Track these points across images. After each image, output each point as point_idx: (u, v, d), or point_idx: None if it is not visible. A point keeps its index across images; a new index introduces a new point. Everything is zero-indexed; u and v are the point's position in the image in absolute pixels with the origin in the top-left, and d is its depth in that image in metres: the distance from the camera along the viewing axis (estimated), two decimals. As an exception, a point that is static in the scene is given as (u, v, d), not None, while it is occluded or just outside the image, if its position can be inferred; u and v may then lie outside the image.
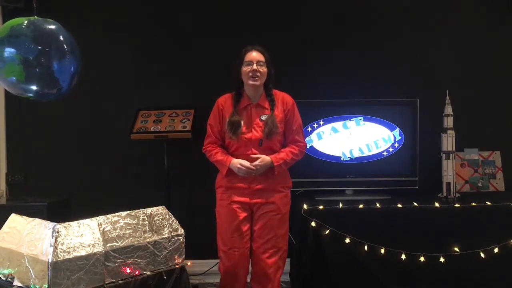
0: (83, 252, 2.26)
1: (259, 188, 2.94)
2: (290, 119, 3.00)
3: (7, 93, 3.81)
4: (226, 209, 2.97)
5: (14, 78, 2.41)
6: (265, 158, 2.89)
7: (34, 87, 2.45)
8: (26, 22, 2.46)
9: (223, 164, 2.95)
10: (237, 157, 2.94)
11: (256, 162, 2.88)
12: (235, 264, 2.96)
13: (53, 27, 2.53)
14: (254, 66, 2.88)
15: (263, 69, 2.91)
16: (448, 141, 3.62)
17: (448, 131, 3.62)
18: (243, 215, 2.95)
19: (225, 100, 3.03)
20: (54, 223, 2.27)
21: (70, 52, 2.52)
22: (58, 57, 2.47)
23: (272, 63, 2.99)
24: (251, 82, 2.91)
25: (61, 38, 2.51)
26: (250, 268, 3.07)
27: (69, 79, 2.54)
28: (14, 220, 2.48)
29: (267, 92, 3.00)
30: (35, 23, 2.47)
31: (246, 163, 2.87)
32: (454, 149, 3.62)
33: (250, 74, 2.89)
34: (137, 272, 2.47)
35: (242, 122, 2.93)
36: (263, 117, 2.95)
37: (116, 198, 3.81)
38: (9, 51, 2.39)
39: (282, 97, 3.03)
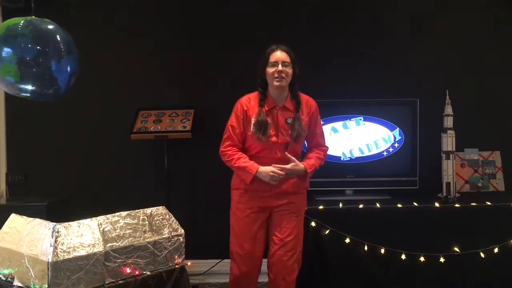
0: (83, 252, 2.26)
1: (282, 191, 2.85)
2: (314, 123, 2.94)
3: (7, 93, 3.80)
4: (245, 214, 2.87)
5: (10, 77, 2.41)
6: (298, 165, 2.81)
7: (30, 87, 2.45)
8: (22, 22, 2.46)
9: (247, 172, 2.79)
10: (259, 160, 2.82)
11: (288, 166, 2.76)
12: (250, 269, 2.90)
13: (51, 27, 2.53)
14: (280, 67, 2.76)
15: (289, 70, 2.79)
16: (448, 141, 3.62)
17: (448, 131, 3.62)
18: (260, 221, 2.88)
19: (249, 101, 2.88)
20: (54, 223, 2.27)
21: (68, 52, 2.52)
22: (56, 57, 2.47)
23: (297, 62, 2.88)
24: (276, 84, 2.78)
25: (59, 38, 2.51)
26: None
27: (67, 79, 2.54)
28: (14, 220, 2.48)
29: (292, 94, 2.88)
30: (33, 23, 2.47)
31: (278, 170, 2.74)
32: (454, 149, 3.62)
33: (276, 75, 2.76)
34: (137, 272, 2.47)
35: (270, 123, 2.81)
36: (289, 120, 2.83)
37: (116, 198, 3.82)
38: (6, 51, 2.39)
39: (307, 100, 2.94)
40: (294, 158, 2.81)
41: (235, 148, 2.88)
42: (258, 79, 2.87)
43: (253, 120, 2.81)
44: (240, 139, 2.87)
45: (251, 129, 2.81)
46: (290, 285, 2.90)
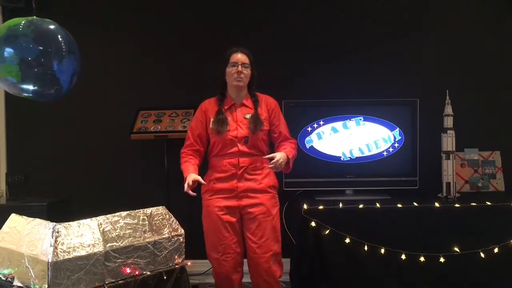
0: (83, 252, 2.26)
1: (246, 187, 2.91)
2: (276, 119, 3.03)
3: (7, 93, 3.81)
4: (214, 216, 2.92)
5: (11, 78, 2.41)
6: (279, 154, 2.87)
7: (31, 87, 2.45)
8: (24, 22, 2.46)
9: (184, 175, 2.90)
10: (223, 156, 2.93)
11: (277, 158, 2.82)
12: (228, 270, 2.94)
13: (52, 27, 2.53)
14: (239, 68, 2.90)
15: (247, 71, 2.93)
16: (448, 141, 3.62)
17: (448, 131, 3.62)
18: (231, 220, 2.92)
19: (208, 103, 3.03)
20: (54, 223, 2.27)
21: (69, 52, 2.52)
22: (58, 57, 2.47)
23: (259, 64, 3.02)
24: (235, 83, 2.92)
25: (60, 38, 2.51)
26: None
27: (69, 79, 2.54)
28: (14, 220, 2.48)
29: (251, 93, 3.02)
30: (34, 23, 2.47)
31: (190, 181, 2.79)
32: (454, 149, 3.62)
33: (235, 75, 2.90)
34: (137, 272, 2.47)
35: (229, 119, 2.93)
36: (248, 116, 2.95)
37: (116, 198, 3.82)
38: (7, 51, 2.39)
39: (266, 99, 3.05)
40: (269, 156, 2.87)
41: (190, 151, 3.00)
42: (218, 79, 3.00)
43: (212, 118, 2.94)
44: (198, 141, 2.99)
45: (210, 126, 2.93)
46: (274, 286, 2.94)
